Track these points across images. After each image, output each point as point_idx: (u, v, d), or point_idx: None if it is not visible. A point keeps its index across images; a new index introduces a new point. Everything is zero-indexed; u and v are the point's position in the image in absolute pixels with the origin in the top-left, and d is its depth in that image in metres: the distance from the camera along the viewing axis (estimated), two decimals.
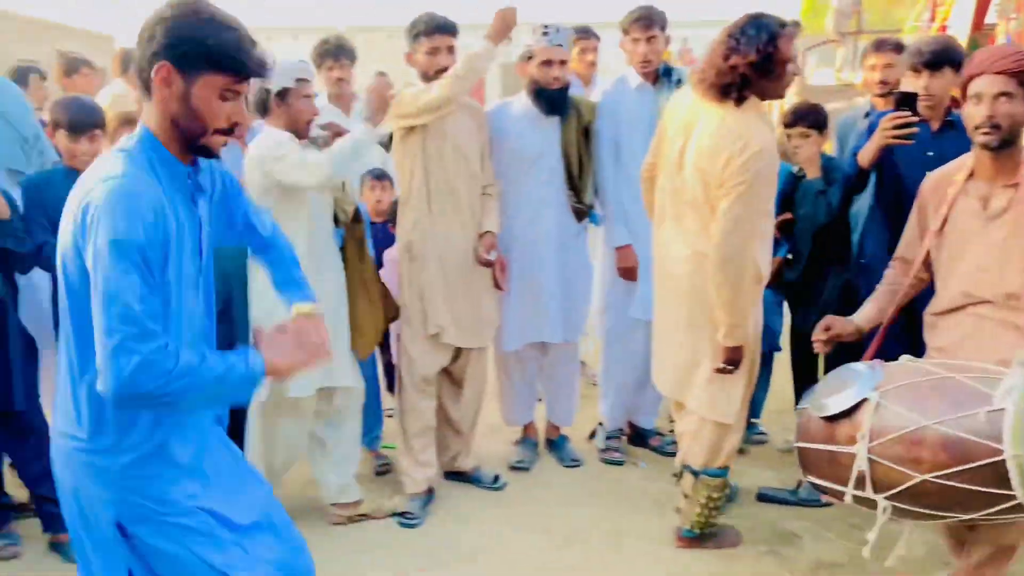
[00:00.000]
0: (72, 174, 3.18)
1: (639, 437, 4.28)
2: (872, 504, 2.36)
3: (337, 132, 3.36)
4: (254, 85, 3.12)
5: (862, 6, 11.64)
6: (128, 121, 3.59)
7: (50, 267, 3.08)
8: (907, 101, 3.06)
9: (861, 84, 4.06)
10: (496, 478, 3.86)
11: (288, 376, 1.83)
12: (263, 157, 3.09)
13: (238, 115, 1.79)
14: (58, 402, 1.81)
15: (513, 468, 4.00)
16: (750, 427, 4.15)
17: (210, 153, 1.82)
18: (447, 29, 3.48)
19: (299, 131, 3.21)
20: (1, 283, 3.10)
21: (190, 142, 1.78)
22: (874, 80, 3.84)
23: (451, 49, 3.51)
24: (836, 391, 2.43)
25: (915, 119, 3.00)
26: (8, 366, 3.11)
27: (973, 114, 2.48)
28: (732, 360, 2.98)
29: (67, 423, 1.78)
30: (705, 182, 2.89)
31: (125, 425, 1.75)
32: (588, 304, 4.05)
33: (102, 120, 3.31)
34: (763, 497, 3.68)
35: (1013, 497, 2.11)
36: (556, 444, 4.16)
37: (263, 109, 3.22)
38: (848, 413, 2.39)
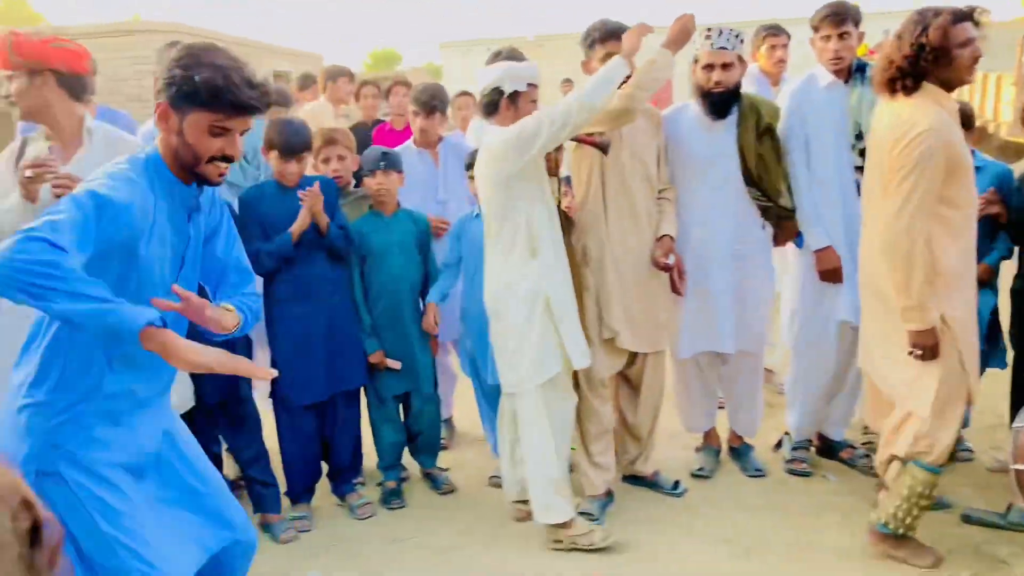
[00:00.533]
0: (282, 189, 3.50)
1: (828, 449, 4.09)
2: None
3: None
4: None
5: None
6: (329, 140, 3.85)
7: (263, 271, 3.38)
8: None
9: None
10: (676, 484, 3.82)
11: (171, 357, 1.83)
12: (511, 142, 3.15)
13: (230, 148, 2.01)
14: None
15: (694, 475, 3.94)
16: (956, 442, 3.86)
17: (207, 181, 2.05)
18: (621, 35, 3.49)
19: None
20: None
21: (187, 170, 2.03)
22: None
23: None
24: None
25: None
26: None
27: None
28: (919, 345, 2.90)
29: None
30: (882, 173, 2.91)
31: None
32: (767, 313, 3.90)
33: (310, 143, 3.59)
34: (968, 519, 3.42)
35: None
36: (739, 452, 4.06)
37: (492, 109, 3.30)
38: None
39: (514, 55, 4.52)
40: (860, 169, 3.62)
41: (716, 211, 3.71)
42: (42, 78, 2.90)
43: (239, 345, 3.37)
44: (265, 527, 3.54)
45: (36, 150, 2.97)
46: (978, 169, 3.57)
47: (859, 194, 3.66)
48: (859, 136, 3.67)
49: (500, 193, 3.22)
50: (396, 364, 3.73)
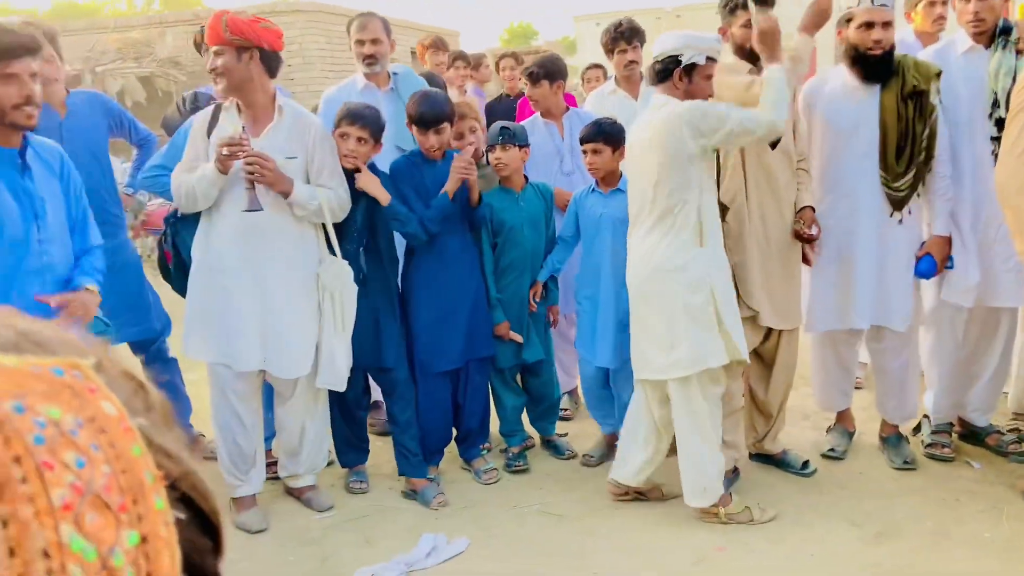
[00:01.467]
0: (425, 159, 3.60)
1: (973, 436, 3.86)
2: None
3: None
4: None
5: None
6: (458, 115, 3.89)
7: (427, 237, 3.53)
8: None
9: None
10: (806, 464, 3.70)
11: None
12: (691, 121, 3.05)
13: (24, 90, 2.40)
14: None
15: (824, 456, 3.80)
16: None
17: (20, 127, 2.44)
18: (768, 1, 3.35)
19: None
20: (362, 255, 3.56)
21: (2, 125, 2.44)
22: None
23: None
24: None
25: None
26: (378, 328, 3.59)
27: None
28: None
29: None
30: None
31: None
32: (911, 290, 3.65)
33: (445, 115, 3.60)
34: None
35: None
36: (889, 442, 3.82)
37: (663, 76, 3.20)
38: None
39: (634, 25, 4.51)
40: (996, 140, 3.40)
41: (859, 180, 3.54)
42: (249, 54, 3.12)
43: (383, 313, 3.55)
44: (409, 493, 3.68)
45: (228, 121, 3.18)
46: None
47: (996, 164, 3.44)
48: (995, 104, 3.42)
49: (677, 173, 3.09)
50: (519, 337, 3.78)
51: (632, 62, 4.45)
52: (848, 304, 3.61)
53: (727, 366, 3.47)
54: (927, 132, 3.47)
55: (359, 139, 3.43)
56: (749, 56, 3.39)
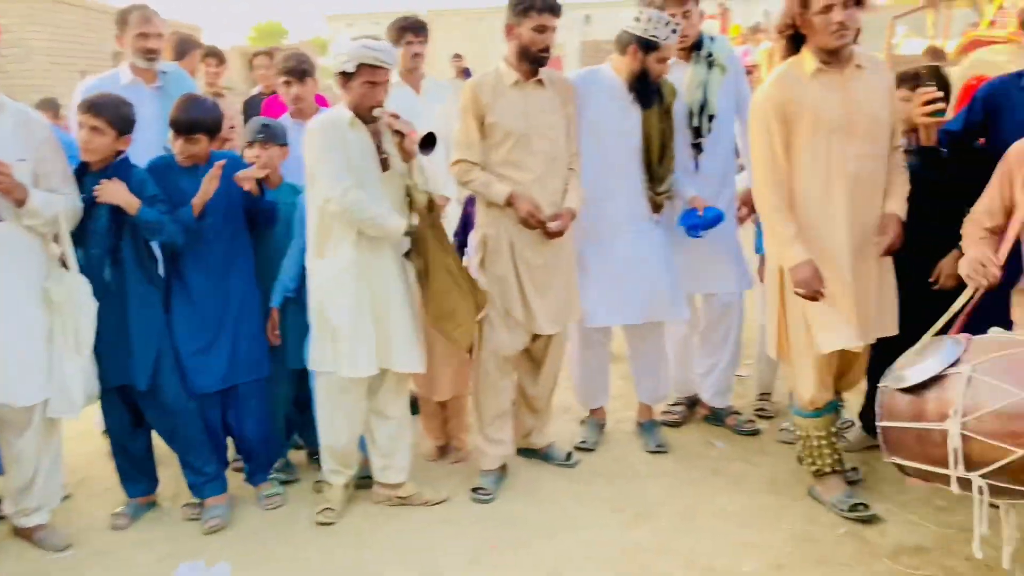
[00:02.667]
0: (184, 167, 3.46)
1: (715, 417, 4.20)
2: (967, 485, 2.27)
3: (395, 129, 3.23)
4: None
5: None
6: None
7: (169, 241, 3.33)
8: (926, 76, 2.93)
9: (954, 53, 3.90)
10: (569, 455, 3.84)
11: None
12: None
13: None
14: None
15: (577, 448, 3.95)
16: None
17: None
18: (557, 11, 3.42)
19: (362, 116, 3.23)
20: None
21: None
22: None
23: (554, 31, 3.48)
24: (916, 363, 2.36)
25: (940, 93, 2.88)
26: (129, 344, 3.27)
27: None
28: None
29: None
30: None
31: None
32: (675, 281, 3.87)
33: (207, 125, 3.38)
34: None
35: None
36: (645, 427, 4.06)
37: (343, 82, 3.22)
38: (935, 389, 2.31)
39: (418, 18, 4.49)
40: (695, 146, 3.83)
41: (628, 185, 3.72)
42: None
43: None
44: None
45: None
46: None
47: (696, 169, 3.85)
48: (690, 113, 3.80)
49: (310, 188, 3.30)
50: (274, 339, 3.62)
51: (417, 55, 4.43)
52: (622, 301, 3.77)
53: (498, 363, 3.54)
54: (672, 143, 3.73)
55: (93, 128, 3.14)
56: (533, 59, 3.44)
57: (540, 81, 3.50)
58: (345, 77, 3.18)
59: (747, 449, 3.91)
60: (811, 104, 2.98)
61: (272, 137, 3.57)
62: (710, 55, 3.82)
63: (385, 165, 3.27)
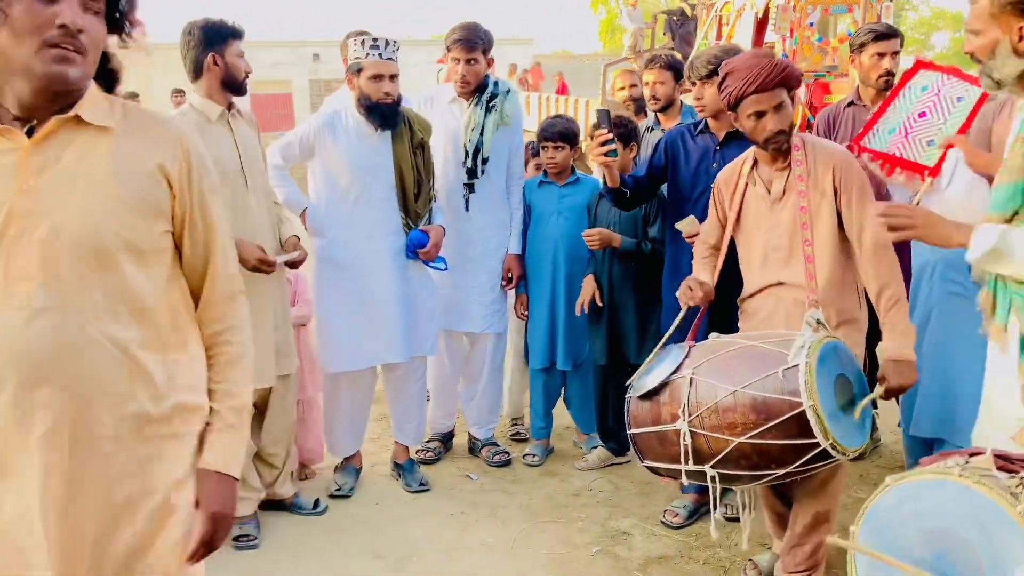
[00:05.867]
0: None
1: (471, 449, 4.27)
2: (702, 476, 2.48)
3: None
4: None
5: (656, 26, 12.37)
6: None
7: None
8: (601, 119, 3.24)
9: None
10: (316, 503, 3.69)
11: None
12: None
13: None
14: None
15: (332, 496, 3.81)
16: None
17: None
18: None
19: None
20: None
21: None
22: (647, 96, 4.10)
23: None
24: (651, 372, 2.59)
25: (611, 135, 3.16)
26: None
27: (759, 129, 2.68)
28: None
29: None
30: None
31: None
32: (435, 317, 3.93)
33: None
34: None
35: (817, 444, 2.31)
36: (404, 468, 3.99)
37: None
38: (666, 393, 2.55)
39: None
40: (468, 186, 3.96)
41: (383, 223, 3.68)
42: None
43: None
44: None
45: None
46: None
47: (467, 209, 3.98)
48: (467, 154, 3.93)
49: None
50: None
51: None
52: (378, 342, 3.72)
53: None
54: (432, 180, 3.77)
55: None
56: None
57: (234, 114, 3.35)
58: None
59: (502, 479, 4.00)
60: None
61: None
62: (491, 100, 3.92)
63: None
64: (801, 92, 6.40)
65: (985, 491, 1.51)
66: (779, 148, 2.71)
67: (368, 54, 3.56)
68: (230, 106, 3.30)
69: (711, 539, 3.33)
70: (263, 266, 3.22)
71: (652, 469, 2.67)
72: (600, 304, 3.83)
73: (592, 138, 3.31)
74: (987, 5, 2.12)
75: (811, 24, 8.55)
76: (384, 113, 3.60)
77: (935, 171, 3.13)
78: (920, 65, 3.31)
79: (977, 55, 2.20)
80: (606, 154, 3.15)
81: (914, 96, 3.25)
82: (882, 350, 2.72)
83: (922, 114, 3.19)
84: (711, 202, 3.02)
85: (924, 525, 1.63)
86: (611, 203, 3.55)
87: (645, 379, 2.62)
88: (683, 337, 2.85)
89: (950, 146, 3.05)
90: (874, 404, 2.53)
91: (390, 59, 3.57)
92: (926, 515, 1.64)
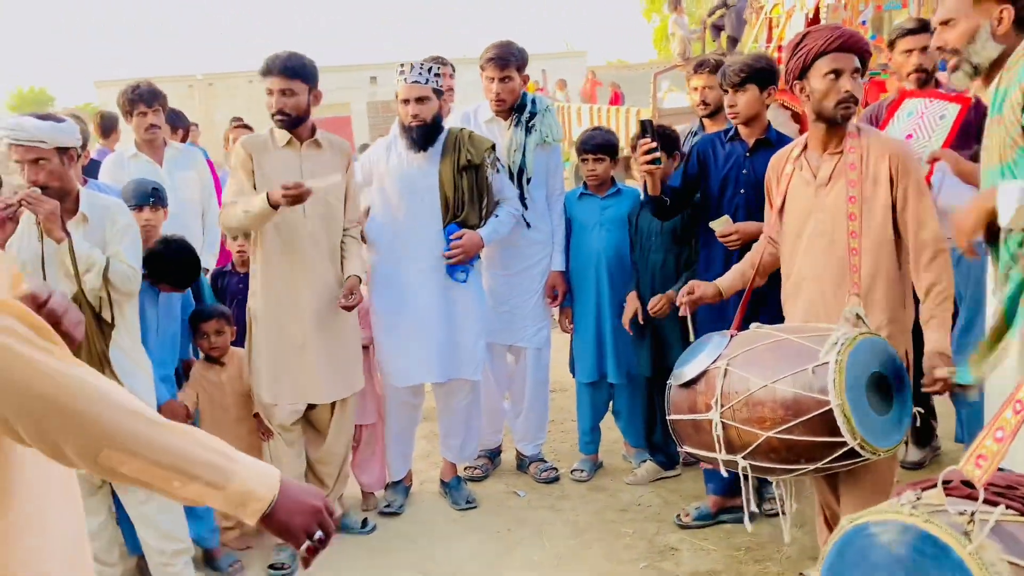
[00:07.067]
0: None
1: (520, 465, 4.25)
2: (735, 466, 2.46)
3: None
4: None
5: (705, 33, 12.25)
6: None
7: None
8: (644, 128, 3.21)
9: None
10: (364, 522, 3.72)
11: None
12: None
13: None
14: None
15: (381, 513, 3.84)
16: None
17: None
18: (288, 73, 3.31)
19: None
20: None
21: None
22: (695, 101, 4.03)
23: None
24: (691, 360, 2.56)
25: (654, 144, 3.12)
26: None
27: (834, 90, 2.57)
28: None
29: None
30: None
31: None
32: (479, 338, 3.90)
33: None
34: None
35: (845, 443, 2.27)
36: (449, 486, 3.99)
37: None
38: (703, 382, 2.53)
39: (151, 88, 4.33)
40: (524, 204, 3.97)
41: (428, 244, 3.71)
42: None
43: None
44: None
45: None
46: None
47: (528, 226, 4.01)
48: (512, 175, 3.94)
49: None
50: None
51: (152, 126, 4.24)
52: (414, 360, 3.75)
53: (276, 430, 3.49)
54: (486, 201, 3.77)
55: None
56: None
57: (316, 142, 3.46)
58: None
59: (549, 495, 3.97)
60: None
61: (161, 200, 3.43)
62: (531, 119, 3.94)
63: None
64: None
65: (935, 530, 1.42)
66: (847, 117, 2.60)
67: (398, 80, 3.63)
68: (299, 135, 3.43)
69: (760, 553, 3.28)
70: (296, 193, 3.15)
71: (691, 455, 2.67)
72: (641, 322, 3.79)
73: (635, 148, 3.32)
74: None
75: (863, 22, 8.38)
76: (414, 135, 3.63)
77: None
78: (905, 94, 3.45)
79: (951, 45, 2.36)
80: (650, 162, 3.14)
81: (901, 122, 3.34)
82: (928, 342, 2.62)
83: (909, 136, 3.24)
84: (765, 193, 2.97)
85: (875, 568, 1.54)
86: (652, 212, 3.52)
87: (684, 368, 2.61)
88: (728, 325, 2.81)
89: (937, 159, 3.04)
90: (918, 402, 2.46)
91: (416, 82, 3.59)
92: (877, 557, 1.55)
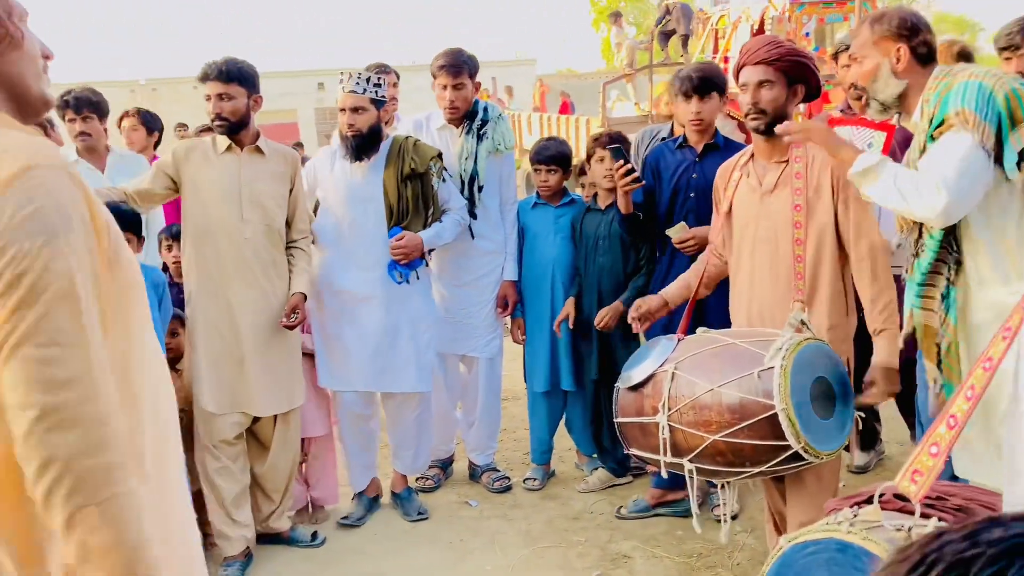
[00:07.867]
0: None
1: (472, 474, 4.23)
2: (681, 469, 2.49)
3: None
4: None
5: (652, 43, 12.39)
6: None
7: None
8: (617, 153, 3.28)
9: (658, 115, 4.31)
10: (314, 535, 3.65)
11: None
12: None
13: None
14: None
15: (340, 524, 3.78)
16: None
17: None
18: (223, 78, 3.30)
19: None
20: None
21: None
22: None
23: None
24: (639, 364, 2.59)
25: (631, 166, 3.23)
26: None
27: (742, 102, 2.71)
28: None
29: None
30: None
31: None
32: (430, 350, 3.86)
33: None
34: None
35: (790, 447, 2.30)
36: (401, 497, 3.94)
37: None
38: (650, 385, 2.55)
39: (84, 95, 4.24)
40: (471, 214, 3.94)
41: (370, 251, 3.66)
42: None
43: None
44: None
45: None
46: None
47: (472, 237, 3.97)
48: (463, 183, 3.92)
49: None
50: None
51: (83, 133, 4.16)
52: (360, 367, 3.70)
53: (218, 446, 3.40)
54: (432, 210, 3.72)
55: None
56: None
57: (259, 149, 3.41)
58: None
59: (502, 504, 3.95)
60: None
61: None
62: (483, 127, 3.91)
63: None
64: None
65: (872, 547, 1.44)
66: (756, 128, 2.67)
67: (339, 88, 3.61)
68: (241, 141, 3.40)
69: (712, 560, 3.30)
70: None
71: (638, 458, 2.69)
72: (571, 327, 3.85)
73: (590, 162, 3.43)
74: (868, 33, 2.44)
75: (807, 34, 8.57)
76: (350, 145, 3.60)
77: None
78: (833, 122, 3.49)
79: (860, 82, 2.51)
80: (632, 182, 3.20)
81: None
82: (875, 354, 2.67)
83: None
84: (713, 200, 3.01)
85: None
86: (625, 231, 3.58)
87: (632, 371, 2.62)
88: (675, 329, 2.83)
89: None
90: (860, 410, 2.52)
91: (353, 91, 3.55)
92: None
